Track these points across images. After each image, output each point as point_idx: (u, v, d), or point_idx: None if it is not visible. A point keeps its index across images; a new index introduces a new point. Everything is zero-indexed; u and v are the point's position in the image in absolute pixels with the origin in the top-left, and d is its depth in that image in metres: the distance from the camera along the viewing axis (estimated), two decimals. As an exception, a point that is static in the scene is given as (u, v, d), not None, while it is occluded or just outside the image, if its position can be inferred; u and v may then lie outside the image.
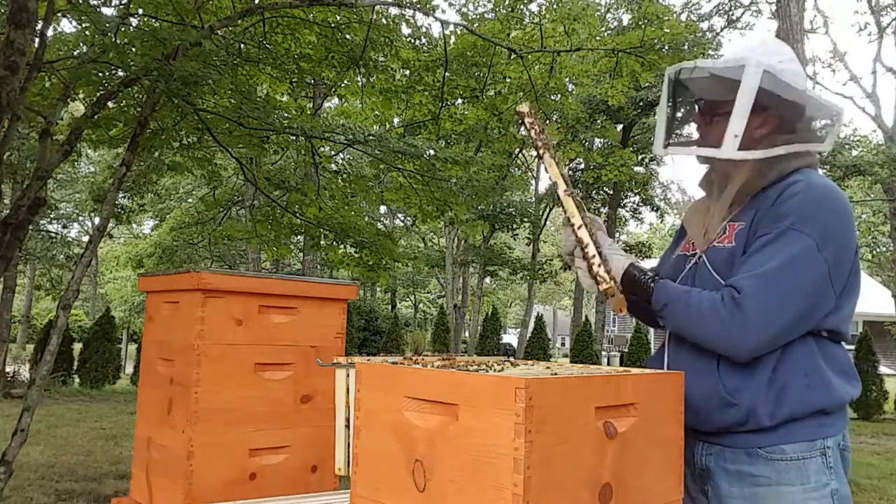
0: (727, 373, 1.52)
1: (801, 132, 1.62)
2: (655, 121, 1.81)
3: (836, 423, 1.56)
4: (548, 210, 21.72)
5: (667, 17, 9.30)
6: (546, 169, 1.74)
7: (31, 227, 5.29)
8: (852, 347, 13.10)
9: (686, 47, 14.83)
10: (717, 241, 1.62)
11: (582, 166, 20.31)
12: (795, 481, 1.50)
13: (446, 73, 7.32)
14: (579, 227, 1.65)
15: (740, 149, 1.54)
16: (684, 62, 1.69)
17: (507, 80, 8.62)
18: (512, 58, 7.76)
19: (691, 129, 1.76)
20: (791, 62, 1.62)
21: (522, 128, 1.82)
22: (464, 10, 10.10)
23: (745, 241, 1.56)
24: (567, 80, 9.65)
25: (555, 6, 8.38)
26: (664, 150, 1.72)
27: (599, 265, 1.62)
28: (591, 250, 1.63)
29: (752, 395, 1.50)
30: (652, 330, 23.76)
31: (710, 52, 19.08)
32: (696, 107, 1.72)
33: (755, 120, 1.57)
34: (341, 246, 8.45)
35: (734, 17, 21.45)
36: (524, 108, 1.78)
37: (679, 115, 1.75)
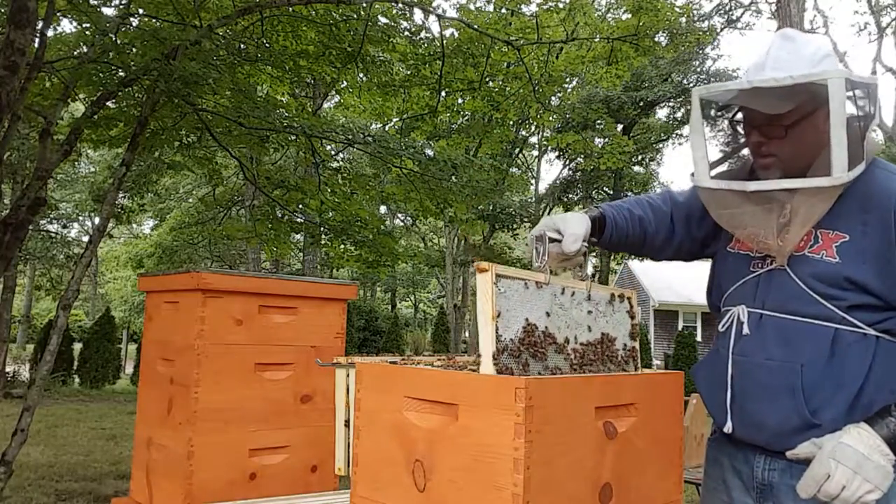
0: (811, 393, 1.45)
1: (870, 117, 1.47)
2: (690, 142, 1.58)
3: None
4: (547, 210, 21.72)
5: (660, 1, 9.34)
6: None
7: (31, 227, 5.28)
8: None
9: (686, 44, 14.85)
10: (809, 251, 1.49)
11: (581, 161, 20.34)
12: None
13: (443, 67, 7.33)
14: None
15: (850, 168, 1.39)
16: (729, 83, 1.48)
17: (509, 66, 8.63)
18: (509, 49, 7.79)
19: (741, 155, 1.60)
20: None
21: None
22: (465, 8, 10.11)
23: (859, 261, 1.44)
24: (564, 69, 9.66)
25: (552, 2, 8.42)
26: (712, 182, 1.51)
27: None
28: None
29: (835, 415, 1.43)
30: (652, 330, 23.71)
31: (708, 47, 19.12)
32: (747, 128, 1.54)
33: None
34: (341, 244, 8.45)
35: (734, 17, 21.50)
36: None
37: (724, 139, 1.61)
